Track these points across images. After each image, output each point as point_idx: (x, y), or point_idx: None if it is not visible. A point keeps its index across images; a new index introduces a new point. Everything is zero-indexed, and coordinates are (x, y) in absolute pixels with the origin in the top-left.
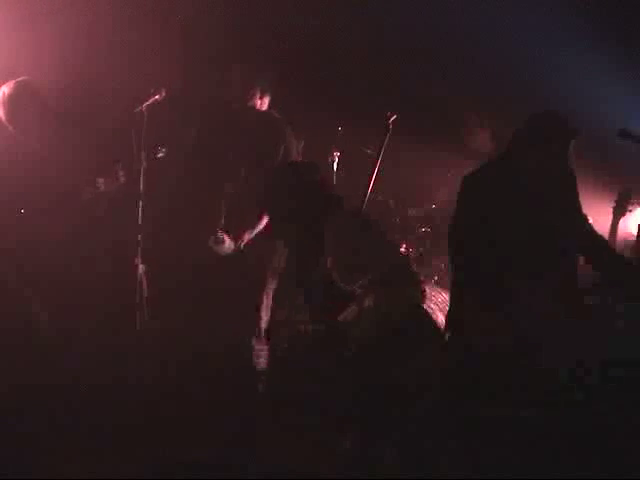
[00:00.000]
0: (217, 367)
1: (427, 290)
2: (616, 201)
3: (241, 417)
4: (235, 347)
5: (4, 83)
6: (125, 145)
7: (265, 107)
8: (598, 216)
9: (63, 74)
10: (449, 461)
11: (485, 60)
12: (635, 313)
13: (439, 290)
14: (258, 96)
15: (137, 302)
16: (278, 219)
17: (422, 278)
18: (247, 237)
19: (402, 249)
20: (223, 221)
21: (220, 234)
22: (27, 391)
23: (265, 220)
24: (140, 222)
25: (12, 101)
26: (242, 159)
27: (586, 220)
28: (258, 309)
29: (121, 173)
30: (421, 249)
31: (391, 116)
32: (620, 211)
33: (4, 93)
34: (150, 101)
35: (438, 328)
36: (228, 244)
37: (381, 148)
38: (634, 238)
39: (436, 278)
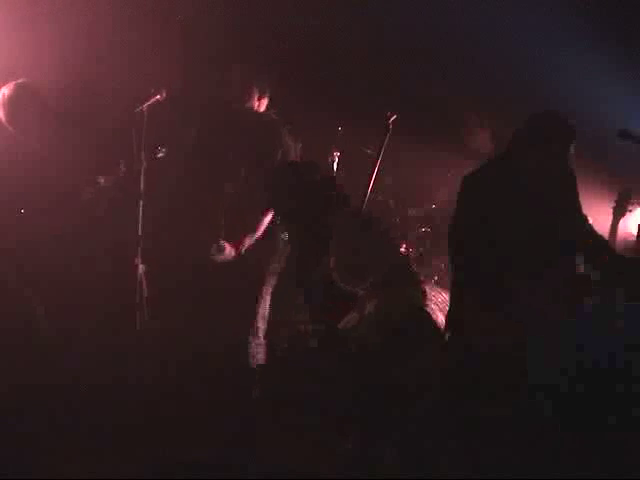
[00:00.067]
0: (217, 367)
1: (427, 290)
2: (616, 201)
3: (241, 417)
4: (235, 347)
5: (4, 83)
6: (125, 145)
7: (263, 109)
8: (598, 216)
9: (63, 74)
10: (449, 461)
11: (485, 60)
12: (635, 313)
13: (439, 290)
14: (256, 97)
15: (137, 302)
16: (280, 217)
17: (422, 278)
18: (248, 243)
19: (402, 249)
20: (223, 222)
21: (222, 243)
22: (27, 391)
23: (266, 223)
24: (140, 222)
25: (12, 103)
26: (242, 159)
27: (586, 220)
28: (257, 308)
29: (122, 168)
30: (421, 249)
31: (391, 116)
32: (620, 211)
33: (4, 95)
34: (151, 101)
35: (438, 328)
36: (229, 252)
37: (381, 148)
38: (634, 238)
39: (436, 278)
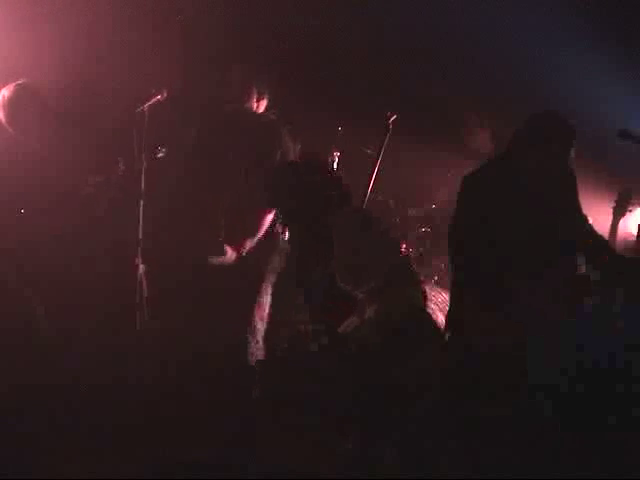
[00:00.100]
0: (217, 367)
1: (427, 290)
2: (616, 201)
3: (241, 417)
4: (235, 347)
5: (4, 83)
6: (126, 145)
7: (262, 109)
8: (598, 216)
9: (63, 74)
10: (449, 461)
11: (485, 60)
12: (635, 313)
13: (439, 290)
14: (254, 99)
15: (137, 302)
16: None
17: (422, 278)
18: (249, 245)
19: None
20: (223, 222)
21: (223, 246)
22: (27, 391)
23: (267, 225)
24: (140, 222)
25: (12, 104)
26: (242, 159)
27: (586, 220)
28: (256, 308)
29: (121, 167)
30: (421, 249)
31: (391, 116)
32: (620, 211)
33: (4, 96)
34: (152, 101)
35: (438, 328)
36: (230, 254)
37: (381, 148)
38: (634, 238)
39: (436, 278)
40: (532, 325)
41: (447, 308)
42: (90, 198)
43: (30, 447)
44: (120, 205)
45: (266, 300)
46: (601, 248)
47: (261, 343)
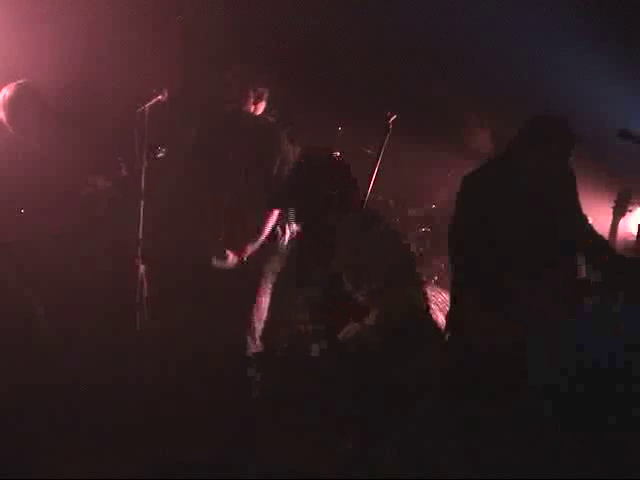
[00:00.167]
0: (217, 367)
1: (427, 291)
2: (616, 201)
3: (241, 417)
4: (235, 347)
5: (4, 83)
6: (126, 145)
7: (260, 112)
8: (598, 216)
9: (63, 74)
10: (449, 461)
11: (485, 60)
12: (635, 313)
13: (439, 290)
14: (252, 101)
15: (137, 302)
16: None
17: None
18: (250, 250)
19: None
20: (223, 222)
21: (224, 250)
22: (27, 391)
23: (269, 228)
24: (141, 222)
25: (12, 103)
26: (242, 159)
27: (586, 220)
28: (256, 308)
29: (123, 167)
30: (421, 249)
31: (391, 116)
32: (620, 211)
33: (4, 96)
34: (152, 101)
35: (438, 328)
36: (231, 259)
37: (381, 148)
38: (634, 238)
39: (436, 278)
40: (532, 325)
41: (447, 308)
42: (90, 198)
43: (30, 447)
44: (120, 205)
45: (265, 300)
46: (601, 248)
47: (259, 343)
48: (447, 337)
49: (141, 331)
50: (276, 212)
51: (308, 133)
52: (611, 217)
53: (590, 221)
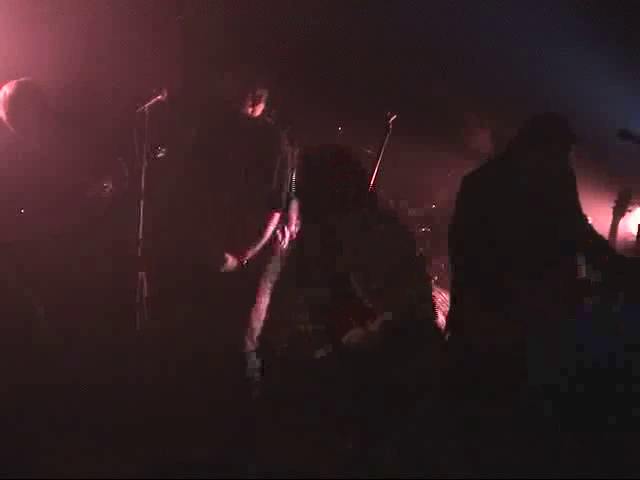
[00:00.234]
0: (217, 367)
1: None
2: (616, 201)
3: (241, 417)
4: (235, 347)
5: (4, 83)
6: (126, 145)
7: (258, 114)
8: (598, 216)
9: (63, 74)
10: (449, 461)
11: (485, 60)
12: (635, 313)
13: (439, 290)
14: (249, 103)
15: (137, 302)
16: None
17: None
18: (250, 254)
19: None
20: (223, 222)
21: (224, 254)
22: (27, 391)
23: (269, 231)
24: (141, 222)
25: (13, 101)
26: (242, 159)
27: (586, 220)
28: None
29: (125, 170)
30: (421, 249)
31: (391, 116)
32: (620, 211)
33: (5, 94)
34: (153, 101)
35: (438, 328)
36: (231, 263)
37: (381, 148)
38: (634, 238)
39: (436, 278)
40: (532, 325)
41: (447, 308)
42: (90, 198)
43: (30, 447)
44: (120, 205)
45: (265, 300)
46: (601, 248)
47: (257, 342)
48: (447, 337)
49: (141, 331)
50: (277, 215)
51: (308, 133)
52: (611, 217)
53: (590, 221)
